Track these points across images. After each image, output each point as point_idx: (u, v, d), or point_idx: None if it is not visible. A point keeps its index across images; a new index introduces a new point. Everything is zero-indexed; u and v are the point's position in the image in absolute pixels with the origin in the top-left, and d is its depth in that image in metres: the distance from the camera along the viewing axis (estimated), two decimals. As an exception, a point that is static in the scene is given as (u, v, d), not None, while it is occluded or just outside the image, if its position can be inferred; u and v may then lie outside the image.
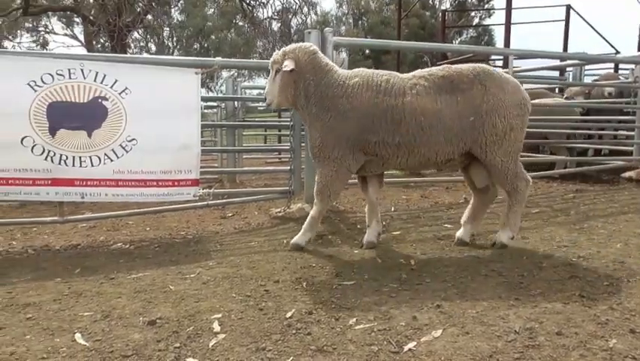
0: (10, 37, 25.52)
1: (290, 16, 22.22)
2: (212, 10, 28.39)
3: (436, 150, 3.41)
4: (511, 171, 3.46)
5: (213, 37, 29.74)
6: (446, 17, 17.16)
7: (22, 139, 3.80)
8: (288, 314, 2.50)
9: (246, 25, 23.89)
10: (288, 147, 5.20)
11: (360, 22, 36.51)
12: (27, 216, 4.96)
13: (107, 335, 2.31)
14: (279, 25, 22.50)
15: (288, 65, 3.44)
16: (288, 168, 5.00)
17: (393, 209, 5.23)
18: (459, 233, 3.80)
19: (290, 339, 2.24)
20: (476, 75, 3.42)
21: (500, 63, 11.74)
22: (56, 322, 2.47)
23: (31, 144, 3.81)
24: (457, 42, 32.17)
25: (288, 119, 5.13)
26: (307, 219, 3.72)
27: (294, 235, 3.83)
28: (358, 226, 4.39)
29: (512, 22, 10.87)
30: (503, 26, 10.78)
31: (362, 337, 2.26)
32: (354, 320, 2.43)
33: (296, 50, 3.53)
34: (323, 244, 3.91)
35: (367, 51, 32.03)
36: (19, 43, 26.77)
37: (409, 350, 2.13)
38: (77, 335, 2.30)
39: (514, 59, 6.22)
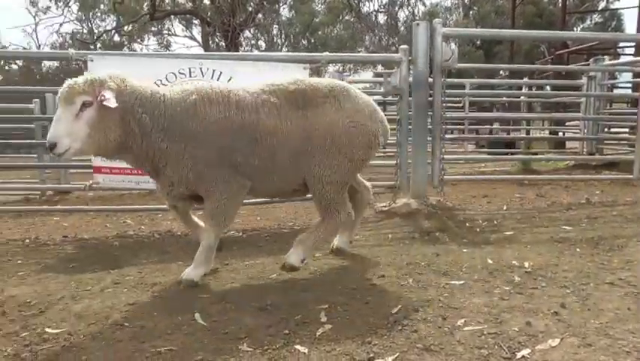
0: (138, 40, 28.03)
1: (397, 9, 21.97)
2: (320, 5, 28.88)
3: (281, 175, 3.02)
4: (335, 202, 3.04)
5: (320, 32, 30.26)
6: (567, 2, 15.84)
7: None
8: (394, 310, 2.48)
9: (353, 20, 24.00)
10: (393, 141, 5.14)
11: (470, 12, 35.05)
12: (153, 203, 5.42)
13: (222, 317, 2.46)
14: (386, 17, 22.32)
15: (111, 98, 2.64)
16: (394, 162, 4.96)
17: (505, 208, 4.98)
18: (336, 243, 3.47)
19: (396, 335, 2.23)
20: (331, 90, 3.00)
21: (631, 51, 10.66)
22: (178, 301, 2.68)
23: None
24: (579, 29, 29.69)
25: (394, 113, 5.07)
26: (200, 250, 2.99)
27: (398, 231, 3.79)
28: (467, 224, 4.25)
29: (647, 4, 9.78)
30: (636, 9, 9.73)
31: (471, 339, 2.18)
32: (463, 320, 2.35)
33: (110, 78, 2.77)
34: (430, 240, 3.83)
35: (478, 42, 30.72)
36: (147, 45, 29.36)
37: (522, 357, 2.01)
38: (197, 315, 2.47)
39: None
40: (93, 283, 3.04)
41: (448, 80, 5.06)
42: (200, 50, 24.58)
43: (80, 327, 2.38)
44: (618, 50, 12.54)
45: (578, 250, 3.46)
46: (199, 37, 27.03)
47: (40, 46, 33.17)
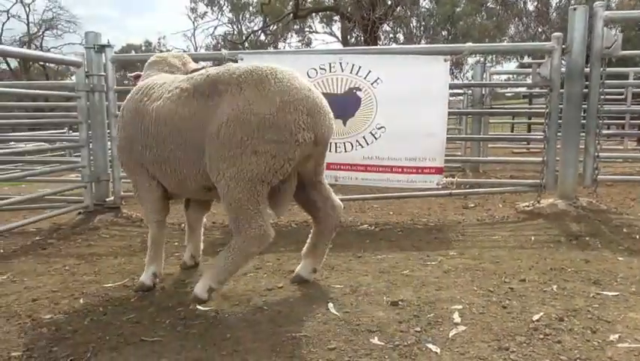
0: (282, 39, 29.56)
1: (549, -6, 20.31)
2: (463, -5, 27.78)
3: (182, 170, 2.71)
4: (241, 207, 2.50)
5: (462, 22, 29.10)
6: None
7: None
8: (535, 317, 2.33)
9: (498, 7, 22.69)
10: (538, 137, 4.79)
11: (638, -10, 31.02)
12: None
13: (354, 309, 2.51)
14: (536, 3, 20.72)
15: None
16: (540, 159, 4.61)
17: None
18: (298, 269, 2.97)
19: (536, 344, 2.08)
20: (239, 77, 2.53)
21: None
22: (313, 290, 2.79)
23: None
24: None
25: (543, 106, 4.71)
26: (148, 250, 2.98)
27: (542, 233, 3.52)
28: (624, 230, 3.81)
29: None
30: None
31: (626, 357, 1.96)
32: (617, 336, 2.12)
33: None
34: (578, 245, 3.50)
35: (645, 25, 27.10)
36: (289, 43, 30.84)
37: (691, 384, 1.76)
38: (330, 305, 2.55)
39: None
40: (239, 266, 3.28)
41: (608, 69, 4.56)
42: (339, 46, 25.16)
43: (225, 307, 2.60)
44: None
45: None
46: (338, 33, 27.68)
47: (197, 48, 36.71)
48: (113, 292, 2.87)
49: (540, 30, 19.65)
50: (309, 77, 4.35)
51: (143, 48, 38.77)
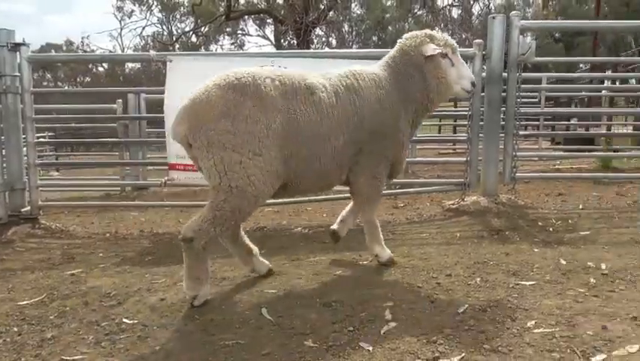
0: (214, 41, 29.12)
1: (472, 2, 21.31)
2: (391, 1, 28.60)
3: None
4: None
5: (390, 28, 29.94)
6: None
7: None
8: (461, 310, 2.44)
9: (425, 14, 23.54)
10: (463, 138, 5.03)
11: (550, 3, 33.25)
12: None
13: (288, 312, 2.52)
14: (460, 11, 21.70)
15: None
16: (464, 159, 4.84)
17: (581, 207, 4.73)
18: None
19: (462, 335, 2.19)
20: None
21: None
22: (246, 296, 2.78)
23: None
24: (673, 15, 27.34)
25: (466, 109, 4.95)
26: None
27: (467, 229, 3.70)
28: (540, 223, 4.08)
29: None
30: None
31: (542, 342, 2.10)
32: (533, 322, 2.27)
33: None
34: (499, 239, 3.71)
35: (558, 35, 29.13)
36: (221, 45, 30.42)
37: (598, 363, 1.92)
38: (264, 310, 2.55)
39: None
40: (167, 276, 3.22)
41: (524, 74, 4.87)
42: (272, 49, 25.13)
43: (154, 318, 2.53)
44: None
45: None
46: (272, 36, 27.64)
47: (124, 48, 35.36)
48: (29, 310, 2.71)
49: (464, 37, 20.58)
50: (240, 80, 4.32)
51: (65, 48, 36.76)
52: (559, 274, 2.90)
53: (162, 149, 4.70)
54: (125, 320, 2.52)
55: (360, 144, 2.97)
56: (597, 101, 10.20)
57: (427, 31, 3.17)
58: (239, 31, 30.14)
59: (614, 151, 8.06)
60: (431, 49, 3.02)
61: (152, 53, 4.76)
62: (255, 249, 3.09)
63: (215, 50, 28.56)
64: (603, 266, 2.98)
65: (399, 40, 3.19)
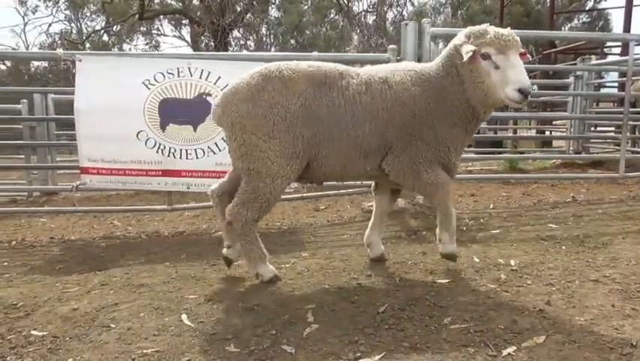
0: (127, 40, 27.88)
1: (386, 9, 22.02)
2: (308, 5, 28.87)
3: None
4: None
5: (308, 32, 30.25)
6: (555, 2, 15.98)
7: (138, 133, 4.13)
8: (381, 309, 2.49)
9: (341, 19, 24.03)
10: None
11: (459, 11, 35.20)
12: (140, 204, 5.40)
13: (209, 318, 2.45)
14: (374, 17, 22.35)
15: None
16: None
17: (492, 206, 5.01)
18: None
19: (382, 334, 2.23)
20: None
21: (618, 51, 10.80)
22: (165, 302, 2.66)
23: (145, 137, 4.14)
24: (566, 29, 29.95)
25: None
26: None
27: (386, 230, 3.75)
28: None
29: (634, 3, 9.88)
30: (623, 9, 9.85)
31: (457, 337, 2.19)
32: (449, 319, 2.36)
33: None
34: (417, 239, 3.84)
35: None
36: (135, 45, 29.18)
37: (508, 354, 2.03)
38: (184, 316, 2.46)
39: (636, 45, 5.66)
40: (79, 284, 3.02)
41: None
42: (189, 50, 24.49)
43: (67, 328, 2.37)
44: (605, 49, 12.64)
45: (563, 247, 3.49)
46: (188, 37, 26.93)
47: (28, 46, 32.91)
48: None
49: (380, 42, 21.22)
50: (157, 81, 4.17)
51: (-43, 44, 33.55)
52: (472, 271, 3.04)
53: (74, 152, 4.41)
54: (33, 331, 2.34)
55: (390, 140, 2.85)
56: (504, 106, 10.84)
57: (482, 26, 2.79)
58: (154, 32, 29.11)
59: (520, 153, 8.63)
60: (465, 50, 2.69)
61: (60, 51, 4.46)
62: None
63: (129, 50, 27.35)
64: (512, 263, 3.17)
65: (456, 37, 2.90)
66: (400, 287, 2.81)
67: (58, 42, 28.61)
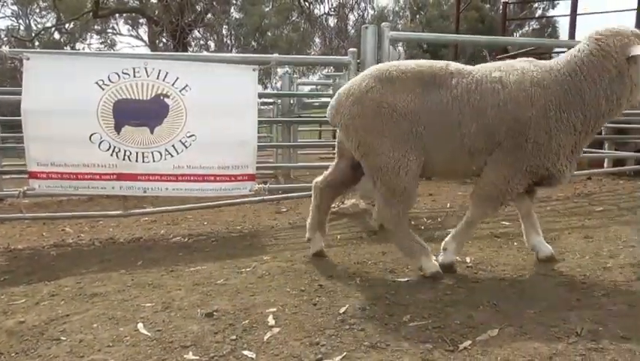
0: (81, 39, 27.03)
1: (347, 12, 22.19)
2: (269, 7, 28.78)
3: None
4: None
5: (270, 34, 30.15)
6: (507, 9, 16.50)
7: (91, 136, 4.01)
8: (342, 310, 2.51)
9: (303, 22, 24.08)
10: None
11: (417, 16, 35.87)
12: (94, 209, 5.24)
13: (167, 326, 2.40)
14: (336, 20, 22.51)
15: None
16: (343, 163, 4.99)
17: (449, 205, 5.13)
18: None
19: (343, 335, 2.25)
20: None
21: (565, 54, 11.23)
22: (120, 312, 2.59)
23: (99, 140, 4.02)
24: (518, 35, 30.97)
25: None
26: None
27: (347, 231, 3.79)
28: (412, 222, 4.33)
29: (579, 12, 10.33)
30: (568, 17, 10.27)
31: (416, 334, 2.23)
32: (409, 316, 2.40)
33: None
34: (377, 239, 3.88)
35: (425, 45, 31.45)
36: (89, 44, 28.34)
37: (464, 348, 2.08)
38: (140, 325, 2.40)
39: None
40: (27, 296, 2.90)
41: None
42: (147, 50, 23.96)
43: (12, 344, 2.27)
44: (553, 54, 13.12)
45: (515, 244, 3.61)
46: (145, 37, 26.37)
47: (-30, 43, 31.44)
48: None
49: (341, 44, 21.37)
50: (111, 81, 4.05)
51: None
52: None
53: (22, 155, 4.23)
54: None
55: (500, 140, 2.81)
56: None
57: (634, 29, 2.75)
58: (109, 31, 28.35)
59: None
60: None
61: (5, 49, 4.28)
62: (326, 230, 3.38)
63: (82, 49, 26.56)
64: (468, 259, 3.25)
65: (591, 37, 2.77)
66: (360, 287, 2.83)
67: (5, 39, 27.46)
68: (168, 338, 2.27)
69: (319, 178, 3.36)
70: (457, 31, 15.54)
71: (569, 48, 2.96)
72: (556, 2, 31.04)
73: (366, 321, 2.38)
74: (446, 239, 3.09)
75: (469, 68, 2.96)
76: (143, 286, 2.98)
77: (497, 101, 2.77)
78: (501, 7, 17.12)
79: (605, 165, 6.94)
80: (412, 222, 4.35)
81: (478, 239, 3.78)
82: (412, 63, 2.97)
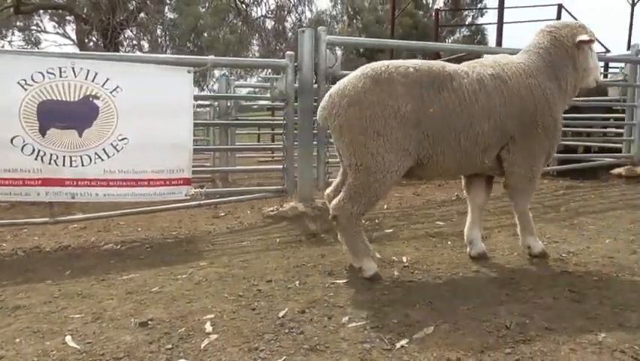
0: (1, 36, 25.34)
1: (284, 15, 22.19)
2: (205, 8, 28.26)
3: None
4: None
5: (206, 35, 29.61)
6: (439, 16, 17.17)
7: (12, 139, 3.76)
8: (281, 314, 2.49)
9: (240, 24, 23.83)
10: (281, 146, 5.18)
11: (354, 20, 36.48)
12: (17, 217, 4.91)
13: (98, 338, 2.29)
14: (274, 23, 22.44)
15: None
16: (281, 166, 4.99)
17: (385, 207, 5.23)
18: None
19: (282, 338, 2.23)
20: None
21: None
22: (47, 325, 2.45)
23: (21, 143, 3.78)
24: (449, 41, 32.20)
25: (282, 118, 5.10)
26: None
27: (286, 234, 3.77)
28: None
29: (504, 21, 10.92)
30: (495, 25, 10.82)
31: (355, 335, 2.25)
32: (347, 318, 2.43)
33: None
34: (316, 242, 3.90)
35: (362, 49, 32.03)
36: (10, 42, 26.60)
37: (402, 346, 2.13)
38: (68, 338, 2.28)
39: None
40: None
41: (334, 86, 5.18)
42: (75, 49, 22.83)
43: None
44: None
45: (449, 243, 3.74)
46: (74, 35, 25.11)
47: None
48: None
49: (279, 47, 21.34)
50: (35, 81, 3.82)
51: None
52: (368, 270, 3.14)
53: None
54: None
55: (512, 133, 2.99)
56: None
57: (579, 22, 3.24)
58: (33, 27, 26.79)
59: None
60: (587, 37, 3.08)
61: None
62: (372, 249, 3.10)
63: (3, 46, 24.92)
64: (404, 259, 3.33)
65: (545, 29, 3.19)
66: (299, 290, 2.83)
67: None
68: (99, 350, 2.17)
69: (330, 188, 3.30)
70: (393, 36, 15.99)
71: (495, 54, 3.29)
72: (484, 11, 32.75)
73: (305, 324, 2.38)
74: (522, 239, 3.28)
75: (461, 67, 3.02)
76: (72, 297, 2.83)
77: (503, 97, 2.95)
78: (434, 14, 17.80)
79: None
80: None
81: (415, 239, 3.89)
82: (410, 65, 2.91)
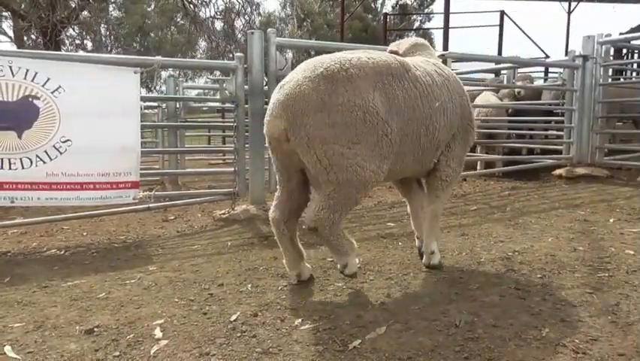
0: None
1: (233, 16, 21.95)
2: (152, 7, 27.59)
3: None
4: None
5: (153, 35, 28.93)
6: (388, 20, 17.55)
7: (-56, 141, 3.55)
8: (233, 317, 2.47)
9: (188, 24, 23.38)
10: (232, 148, 5.13)
11: (305, 23, 36.61)
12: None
13: (40, 347, 2.20)
14: (223, 24, 22.17)
15: None
16: (232, 169, 4.94)
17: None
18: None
19: (235, 343, 2.21)
20: None
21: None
22: (-17, 335, 2.32)
23: (-46, 146, 3.58)
24: (398, 45, 32.94)
25: (232, 120, 5.05)
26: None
27: (238, 237, 3.73)
28: (303, 227, 4.39)
29: (450, 26, 11.30)
30: (442, 30, 11.17)
31: (307, 337, 2.26)
32: (300, 320, 2.43)
33: None
34: (268, 245, 3.88)
35: (312, 52, 32.20)
36: (-62, 39, 24.99)
37: (354, 347, 2.15)
38: (7, 348, 2.17)
39: (453, 61, 6.43)
40: None
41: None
42: (12, 47, 21.73)
43: None
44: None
45: (400, 243, 3.82)
46: (11, 32, 23.89)
47: None
48: None
49: (229, 48, 21.09)
50: (-32, 81, 3.63)
51: None
52: (321, 271, 3.17)
53: None
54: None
55: (455, 127, 3.01)
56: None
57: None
58: (-34, 23, 25.28)
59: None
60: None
61: None
62: (305, 253, 2.99)
63: None
64: (357, 261, 3.36)
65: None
66: (252, 294, 2.81)
67: None
68: (41, 359, 2.08)
69: (275, 212, 2.91)
70: (342, 39, 16.17)
71: (442, 58, 3.49)
72: (432, 16, 33.74)
73: (257, 327, 2.36)
74: (425, 242, 3.16)
75: (406, 60, 2.86)
76: (11, 305, 2.70)
77: (449, 93, 2.94)
78: (382, 18, 18.15)
79: (478, 167, 7.61)
80: (303, 227, 4.41)
81: (367, 240, 3.94)
82: (363, 56, 2.63)
